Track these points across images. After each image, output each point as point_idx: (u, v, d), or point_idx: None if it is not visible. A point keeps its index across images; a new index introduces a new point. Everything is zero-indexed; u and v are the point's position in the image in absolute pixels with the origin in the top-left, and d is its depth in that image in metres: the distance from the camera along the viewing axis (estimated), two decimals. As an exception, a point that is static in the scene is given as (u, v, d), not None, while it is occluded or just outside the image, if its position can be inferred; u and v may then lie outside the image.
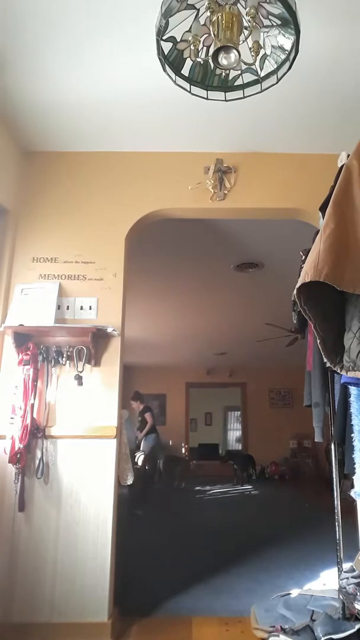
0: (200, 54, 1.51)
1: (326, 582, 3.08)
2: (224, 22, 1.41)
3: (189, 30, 1.45)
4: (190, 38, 1.44)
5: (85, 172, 2.77)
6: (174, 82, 1.57)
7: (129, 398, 7.56)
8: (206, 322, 6.57)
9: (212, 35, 1.45)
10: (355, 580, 1.93)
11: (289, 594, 2.60)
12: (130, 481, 2.63)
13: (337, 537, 2.16)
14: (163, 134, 2.61)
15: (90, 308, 2.57)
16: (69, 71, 2.12)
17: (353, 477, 1.84)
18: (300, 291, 1.45)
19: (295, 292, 1.46)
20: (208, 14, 1.43)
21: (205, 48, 1.53)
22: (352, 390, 1.82)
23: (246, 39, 1.44)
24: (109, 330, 2.47)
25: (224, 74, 1.59)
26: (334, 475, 2.21)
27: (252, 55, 1.43)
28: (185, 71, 1.57)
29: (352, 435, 1.82)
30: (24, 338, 2.46)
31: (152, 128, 2.56)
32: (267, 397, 10.47)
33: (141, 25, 1.83)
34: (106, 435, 2.41)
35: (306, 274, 1.39)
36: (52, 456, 2.39)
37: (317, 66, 2.07)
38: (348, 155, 1.62)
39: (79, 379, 2.45)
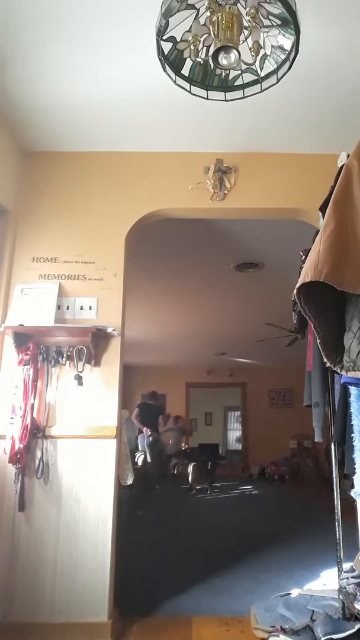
0: (200, 54, 1.51)
1: (326, 582, 3.08)
2: (224, 22, 1.40)
3: (189, 30, 1.45)
4: (190, 38, 1.44)
5: (85, 172, 2.77)
6: (174, 82, 1.57)
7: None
8: (206, 322, 6.57)
9: (212, 35, 1.44)
10: (355, 580, 1.93)
11: (289, 594, 2.60)
12: (130, 481, 2.63)
13: (337, 537, 2.15)
14: (163, 134, 2.61)
15: (90, 308, 2.57)
16: (69, 71, 2.12)
17: (353, 477, 1.84)
18: (300, 291, 1.45)
19: (295, 292, 1.46)
20: (208, 14, 1.43)
21: (205, 48, 1.53)
22: (352, 390, 1.82)
23: (246, 39, 1.44)
24: (109, 330, 2.47)
25: (224, 74, 1.59)
26: (334, 475, 2.21)
27: (252, 55, 1.42)
28: (185, 71, 1.57)
29: (352, 435, 1.82)
30: (24, 338, 2.46)
31: (152, 128, 2.56)
32: (267, 397, 10.48)
33: (141, 25, 1.83)
34: (106, 435, 2.41)
35: (306, 274, 1.39)
36: (52, 456, 2.39)
37: (317, 66, 2.07)
38: (348, 155, 1.62)
39: (79, 379, 2.45)
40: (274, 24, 1.43)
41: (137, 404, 7.66)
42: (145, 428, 7.19)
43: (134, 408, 7.38)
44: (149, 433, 7.19)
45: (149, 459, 7.05)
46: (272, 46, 1.49)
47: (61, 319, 2.53)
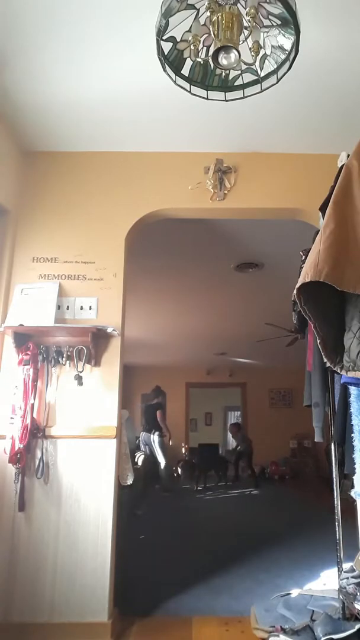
0: (200, 54, 1.51)
1: (326, 582, 3.08)
2: (224, 22, 1.40)
3: (189, 30, 1.45)
4: (190, 38, 1.44)
5: (86, 172, 2.77)
6: (174, 82, 1.57)
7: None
8: (206, 322, 6.57)
9: (212, 35, 1.44)
10: (355, 580, 1.93)
11: (289, 594, 2.60)
12: (130, 481, 2.63)
13: (337, 537, 2.15)
14: (163, 134, 2.61)
15: (90, 308, 2.57)
16: (69, 71, 2.12)
17: (353, 477, 1.84)
18: (300, 291, 1.45)
19: (295, 292, 1.46)
20: (208, 14, 1.43)
21: (205, 48, 1.53)
22: (352, 390, 1.82)
23: (246, 39, 1.44)
24: (109, 330, 2.47)
25: (224, 74, 1.59)
26: (334, 475, 2.21)
27: (252, 55, 1.42)
28: (185, 71, 1.57)
29: (352, 435, 1.82)
30: (24, 338, 2.46)
31: (152, 128, 2.56)
32: (267, 397, 10.47)
33: (141, 25, 1.83)
34: (106, 435, 2.41)
35: (306, 274, 1.39)
36: (52, 456, 2.39)
37: (317, 66, 2.07)
38: (348, 155, 1.62)
39: (79, 379, 2.45)
40: (274, 24, 1.43)
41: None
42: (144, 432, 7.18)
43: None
44: (151, 435, 7.12)
45: (161, 461, 6.96)
46: (272, 46, 1.49)
47: (61, 319, 2.53)
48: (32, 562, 2.27)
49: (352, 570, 2.02)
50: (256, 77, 1.57)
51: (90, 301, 2.59)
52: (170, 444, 7.69)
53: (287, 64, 1.50)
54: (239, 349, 8.43)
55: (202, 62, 1.54)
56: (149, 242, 3.65)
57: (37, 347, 2.46)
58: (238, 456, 8.95)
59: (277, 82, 1.56)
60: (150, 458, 7.12)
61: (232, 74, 1.59)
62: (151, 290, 5.09)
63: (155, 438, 7.14)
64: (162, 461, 7.01)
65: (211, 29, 1.44)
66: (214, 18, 1.41)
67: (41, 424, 2.40)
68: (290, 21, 1.36)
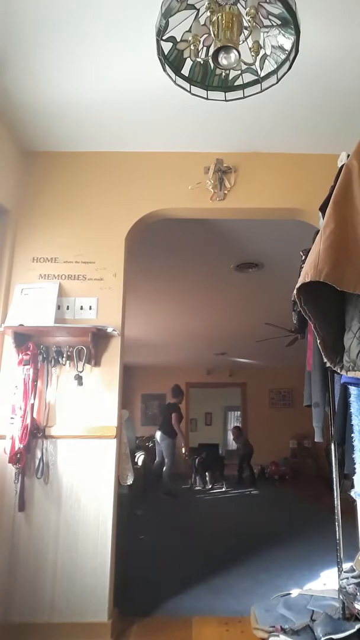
0: (200, 54, 1.51)
1: (326, 582, 3.08)
2: (224, 22, 1.41)
3: (189, 30, 1.45)
4: (190, 38, 1.44)
5: (85, 172, 2.77)
6: (174, 82, 1.57)
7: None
8: (206, 322, 6.57)
9: (212, 35, 1.44)
10: (355, 580, 1.93)
11: (289, 594, 2.60)
12: (130, 481, 2.63)
13: (337, 537, 2.16)
14: (163, 134, 2.61)
15: (90, 308, 2.57)
16: (69, 71, 2.12)
17: (353, 477, 1.84)
18: (300, 291, 1.45)
19: (295, 292, 1.46)
20: (208, 14, 1.43)
21: (205, 48, 1.53)
22: (352, 390, 1.82)
23: (246, 39, 1.44)
24: (109, 330, 2.47)
25: (224, 74, 1.59)
26: (334, 475, 2.21)
27: (252, 55, 1.42)
28: (185, 71, 1.57)
29: (352, 435, 1.83)
30: (24, 338, 2.46)
31: (152, 128, 2.56)
32: (267, 397, 10.48)
33: (141, 25, 1.83)
34: (106, 435, 2.41)
35: (306, 274, 1.39)
36: (52, 456, 2.39)
37: (317, 66, 2.07)
38: (348, 155, 1.62)
39: (79, 379, 2.45)
40: (274, 24, 1.43)
41: None
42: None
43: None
44: (161, 437, 7.00)
45: (166, 463, 6.88)
46: (272, 46, 1.49)
47: (61, 319, 2.53)
48: (32, 562, 2.27)
49: (352, 570, 2.02)
50: (256, 77, 1.57)
51: (90, 301, 2.59)
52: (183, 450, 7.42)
53: (287, 64, 1.50)
54: (239, 349, 8.43)
55: (202, 62, 1.54)
56: (149, 242, 3.65)
57: (37, 347, 2.46)
58: (241, 459, 8.98)
59: (277, 82, 1.56)
60: (160, 457, 7.08)
61: (232, 74, 1.59)
62: (151, 290, 5.09)
63: (164, 438, 7.01)
64: (166, 463, 6.97)
65: (211, 29, 1.44)
66: (214, 18, 1.41)
67: (41, 424, 2.40)
68: (290, 21, 1.36)
